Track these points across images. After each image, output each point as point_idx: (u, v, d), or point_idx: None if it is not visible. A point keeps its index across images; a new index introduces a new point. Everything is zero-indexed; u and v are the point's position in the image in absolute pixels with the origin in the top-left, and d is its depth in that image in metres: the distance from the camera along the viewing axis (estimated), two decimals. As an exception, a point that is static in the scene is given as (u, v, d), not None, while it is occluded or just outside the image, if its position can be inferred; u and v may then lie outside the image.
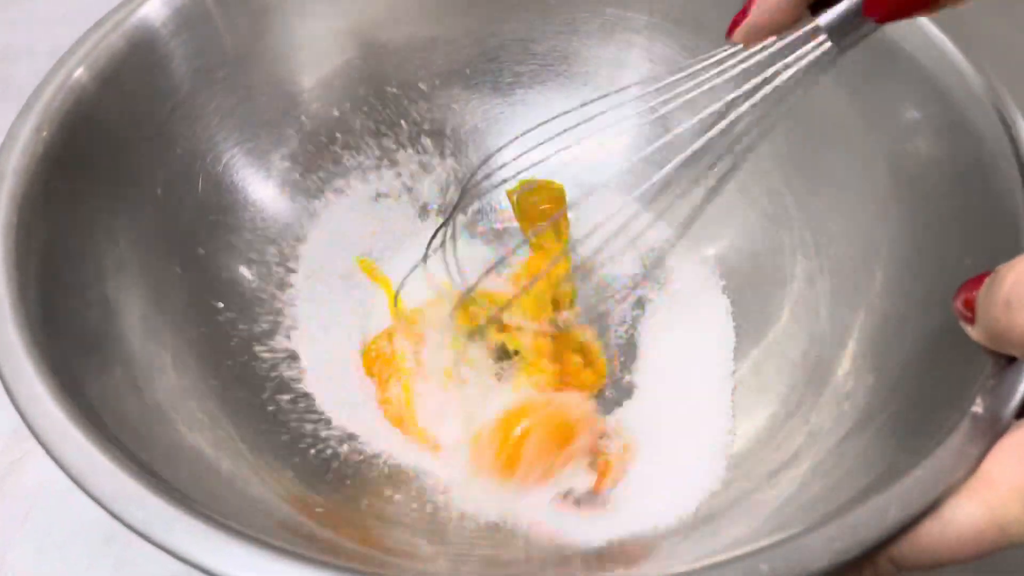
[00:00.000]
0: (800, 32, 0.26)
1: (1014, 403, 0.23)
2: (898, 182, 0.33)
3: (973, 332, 0.23)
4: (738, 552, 0.21)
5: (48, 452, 0.23)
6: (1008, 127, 0.29)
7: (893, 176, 0.33)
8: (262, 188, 0.39)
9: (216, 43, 0.36)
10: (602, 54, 0.42)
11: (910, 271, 0.32)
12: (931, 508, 0.22)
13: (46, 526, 0.36)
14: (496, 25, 0.42)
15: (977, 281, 0.23)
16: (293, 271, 0.39)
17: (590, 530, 0.31)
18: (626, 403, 0.37)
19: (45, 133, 0.30)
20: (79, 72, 0.32)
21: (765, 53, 0.27)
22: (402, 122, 0.42)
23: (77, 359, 0.27)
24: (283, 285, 0.38)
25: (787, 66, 0.26)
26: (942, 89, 0.32)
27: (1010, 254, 0.23)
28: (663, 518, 0.31)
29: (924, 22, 0.33)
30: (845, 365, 0.32)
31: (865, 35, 0.26)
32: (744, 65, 0.27)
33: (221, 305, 0.36)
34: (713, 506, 0.31)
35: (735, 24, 0.27)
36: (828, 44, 0.26)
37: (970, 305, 0.23)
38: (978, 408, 0.23)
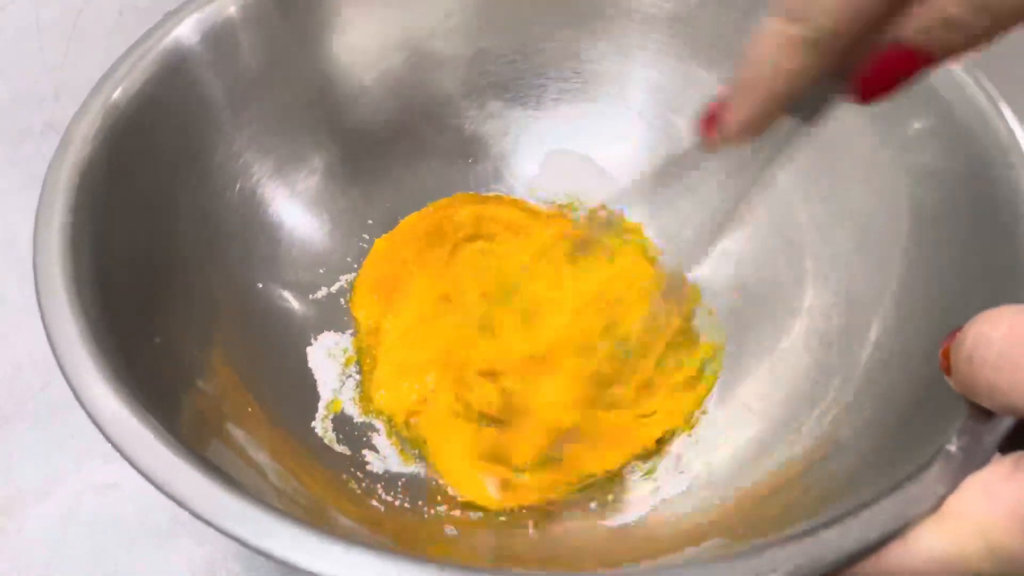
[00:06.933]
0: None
1: (987, 446, 0.24)
2: (918, 224, 0.34)
3: (951, 382, 0.24)
4: (697, 559, 0.22)
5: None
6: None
7: (914, 218, 0.34)
8: (290, 204, 0.40)
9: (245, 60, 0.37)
10: (647, 77, 0.43)
11: (920, 312, 0.32)
12: (891, 538, 0.22)
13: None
14: (546, 42, 0.43)
15: (954, 335, 0.24)
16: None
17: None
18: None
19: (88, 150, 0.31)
20: (116, 95, 0.32)
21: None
22: (444, 132, 0.43)
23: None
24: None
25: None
26: (966, 135, 0.32)
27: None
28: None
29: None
30: (848, 396, 0.32)
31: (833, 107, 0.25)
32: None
33: (259, 285, 0.38)
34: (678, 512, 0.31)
35: (707, 132, 0.26)
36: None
37: (947, 357, 0.24)
38: (952, 447, 0.24)
